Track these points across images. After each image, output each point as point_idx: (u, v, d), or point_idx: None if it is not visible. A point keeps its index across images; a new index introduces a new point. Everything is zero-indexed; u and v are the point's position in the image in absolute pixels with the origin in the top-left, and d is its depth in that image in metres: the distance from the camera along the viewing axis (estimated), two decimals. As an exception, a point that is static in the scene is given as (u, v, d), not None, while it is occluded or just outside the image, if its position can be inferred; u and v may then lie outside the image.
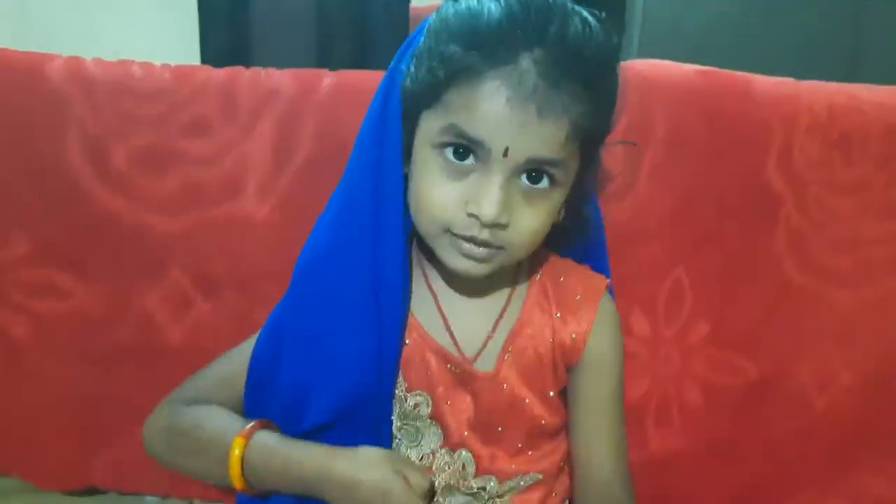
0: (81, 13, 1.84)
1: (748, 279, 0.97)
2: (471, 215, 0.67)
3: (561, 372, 0.78)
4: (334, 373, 0.74)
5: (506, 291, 0.78)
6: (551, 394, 0.78)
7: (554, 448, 0.80)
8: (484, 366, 0.76)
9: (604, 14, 0.69)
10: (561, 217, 0.74)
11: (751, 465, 1.01)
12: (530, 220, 0.69)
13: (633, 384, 0.97)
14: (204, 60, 1.32)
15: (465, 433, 0.77)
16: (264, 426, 0.75)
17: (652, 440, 0.99)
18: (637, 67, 0.96)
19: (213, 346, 0.96)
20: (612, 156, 0.93)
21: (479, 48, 0.64)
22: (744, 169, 0.95)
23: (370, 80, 0.93)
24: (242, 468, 0.72)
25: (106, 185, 0.93)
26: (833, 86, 0.97)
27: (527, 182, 0.68)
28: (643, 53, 1.02)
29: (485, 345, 0.77)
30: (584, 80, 0.65)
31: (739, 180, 0.96)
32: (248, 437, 0.73)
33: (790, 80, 0.97)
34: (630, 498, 0.78)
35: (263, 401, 0.78)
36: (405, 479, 0.69)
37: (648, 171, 0.95)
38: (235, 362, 0.80)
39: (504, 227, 0.67)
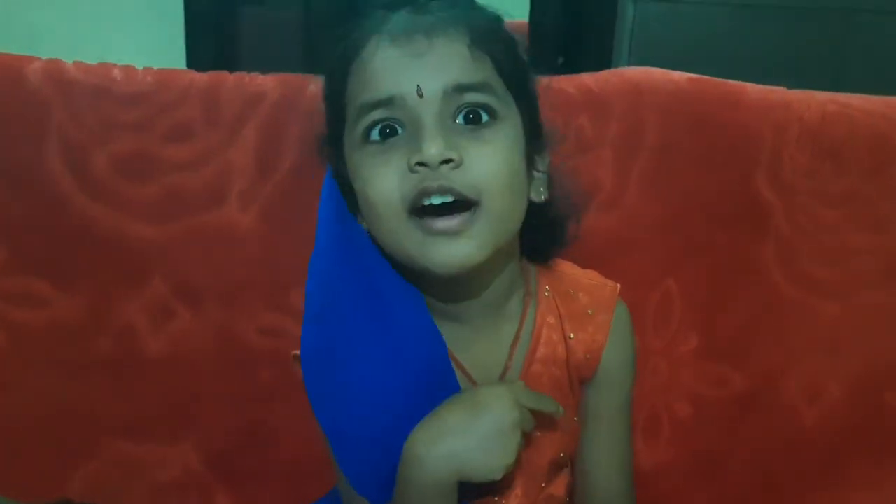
0: (66, 20, 1.84)
1: (738, 290, 0.97)
2: (418, 165, 0.61)
3: (577, 390, 0.76)
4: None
5: (516, 317, 0.74)
6: (575, 419, 0.76)
7: (561, 479, 0.78)
8: None
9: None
10: (543, 195, 0.71)
11: (739, 478, 1.00)
12: (487, 157, 0.63)
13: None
14: (190, 68, 1.31)
15: (495, 498, 0.74)
16: None
17: (640, 452, 0.98)
18: (628, 74, 0.96)
19: (195, 358, 0.95)
20: (602, 164, 0.93)
21: (354, 31, 0.66)
22: (734, 178, 0.95)
23: (356, 86, 0.92)
24: None
25: (85, 192, 0.91)
26: (824, 95, 0.96)
27: (465, 123, 0.64)
28: (633, 64, 1.02)
29: (502, 376, 0.73)
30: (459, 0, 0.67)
31: (730, 189, 0.95)
32: None
33: (781, 88, 0.97)
34: None
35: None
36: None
37: (638, 179, 0.94)
38: None
39: (457, 164, 0.62)
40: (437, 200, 0.62)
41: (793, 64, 1.46)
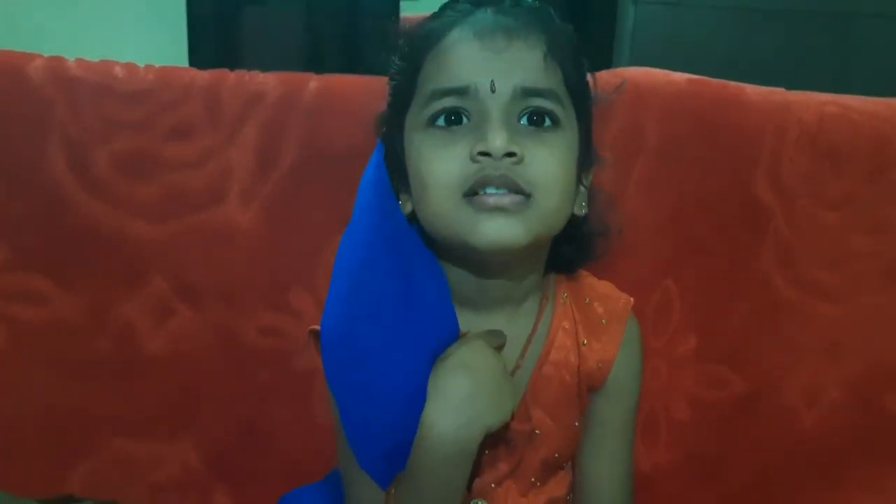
0: (69, 21, 1.84)
1: (737, 292, 0.96)
2: (481, 154, 0.64)
3: (585, 398, 0.76)
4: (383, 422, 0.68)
5: (532, 316, 0.76)
6: (576, 424, 0.76)
7: (560, 479, 0.78)
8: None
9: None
10: (584, 209, 0.73)
11: (738, 481, 0.99)
12: (546, 158, 0.66)
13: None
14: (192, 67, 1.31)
15: (492, 485, 0.75)
16: None
17: (638, 454, 0.97)
18: (628, 75, 0.96)
19: (195, 356, 0.95)
20: (601, 165, 0.93)
21: (437, 19, 0.70)
22: (733, 180, 0.94)
23: (357, 84, 0.92)
24: None
25: (86, 190, 0.91)
26: (824, 96, 0.96)
27: (529, 125, 0.66)
28: (633, 65, 1.01)
29: (513, 374, 0.73)
30: (541, 10, 0.70)
31: (729, 191, 0.95)
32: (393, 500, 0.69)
33: (781, 89, 0.97)
34: None
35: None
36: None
37: (637, 180, 0.94)
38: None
39: (519, 160, 0.64)
40: (491, 191, 0.64)
41: (793, 66, 1.46)
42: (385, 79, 0.89)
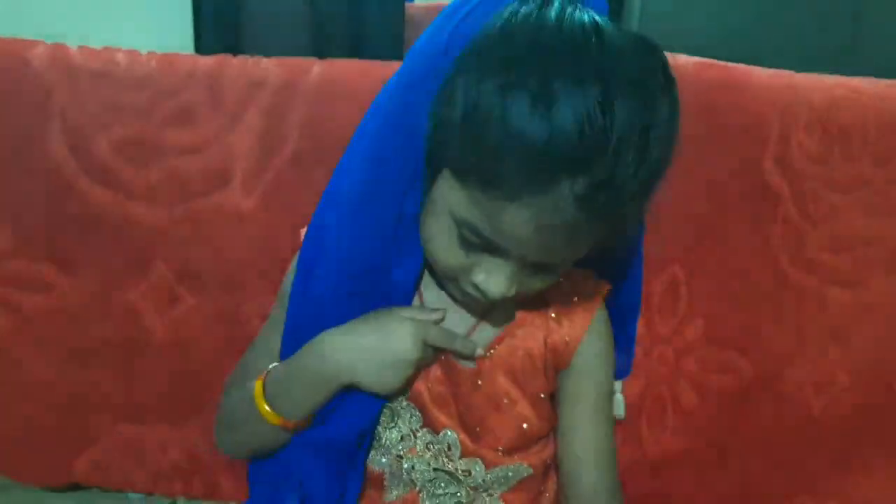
0: (72, 7, 1.84)
1: (745, 277, 0.96)
2: (477, 288, 0.67)
3: (552, 375, 0.77)
4: None
5: None
6: (542, 395, 0.77)
7: (540, 448, 0.79)
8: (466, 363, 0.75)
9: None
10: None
11: (745, 467, 0.99)
12: (538, 284, 0.69)
13: (626, 384, 0.95)
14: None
15: (444, 420, 0.76)
16: None
17: (645, 441, 0.98)
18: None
19: (199, 342, 0.95)
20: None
21: (516, 171, 0.57)
22: (741, 163, 0.93)
23: (360, 69, 0.92)
24: (266, 399, 0.73)
25: (89, 176, 0.91)
26: (833, 79, 0.95)
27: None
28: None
29: (470, 334, 0.75)
30: (626, 205, 0.60)
31: (737, 175, 0.94)
32: (266, 373, 0.75)
33: (789, 72, 0.95)
34: None
35: None
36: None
37: (644, 164, 0.93)
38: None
39: (513, 294, 0.67)
40: None
41: (802, 49, 1.45)
42: (387, 63, 0.89)
